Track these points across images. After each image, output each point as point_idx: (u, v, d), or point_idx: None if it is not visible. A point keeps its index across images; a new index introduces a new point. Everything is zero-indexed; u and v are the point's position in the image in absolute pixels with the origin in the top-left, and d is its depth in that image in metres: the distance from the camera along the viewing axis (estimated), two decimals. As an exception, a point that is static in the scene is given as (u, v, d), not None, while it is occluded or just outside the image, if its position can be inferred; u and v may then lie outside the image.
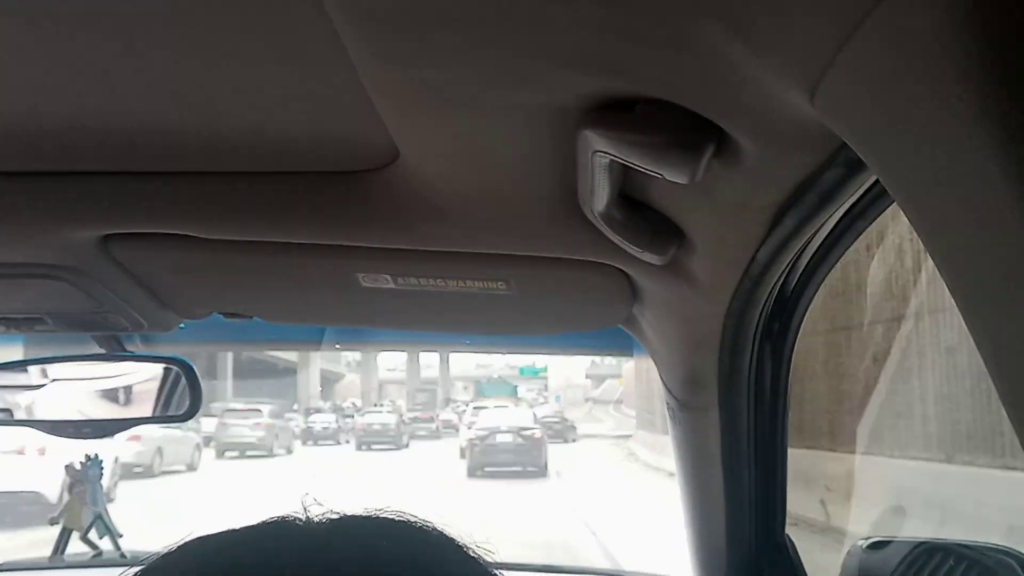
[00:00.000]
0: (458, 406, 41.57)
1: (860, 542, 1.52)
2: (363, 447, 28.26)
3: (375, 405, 37.44)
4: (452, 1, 0.66)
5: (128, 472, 16.03)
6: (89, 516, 2.36)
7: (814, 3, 0.53)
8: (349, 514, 0.67)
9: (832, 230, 0.99)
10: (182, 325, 1.66)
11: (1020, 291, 0.45)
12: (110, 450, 12.22)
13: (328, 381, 46.63)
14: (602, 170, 0.87)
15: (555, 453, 23.20)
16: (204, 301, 1.59)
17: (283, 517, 0.66)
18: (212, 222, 1.23)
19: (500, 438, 21.76)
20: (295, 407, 34.87)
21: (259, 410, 25.27)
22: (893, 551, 1.45)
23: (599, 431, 36.09)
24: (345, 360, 50.46)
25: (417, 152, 1.01)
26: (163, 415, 1.86)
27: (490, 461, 20.88)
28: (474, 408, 32.81)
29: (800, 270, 1.12)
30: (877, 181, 0.83)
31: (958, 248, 0.50)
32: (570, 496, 16.59)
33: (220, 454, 24.03)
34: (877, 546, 1.50)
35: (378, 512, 0.68)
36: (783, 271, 1.06)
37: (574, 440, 32.19)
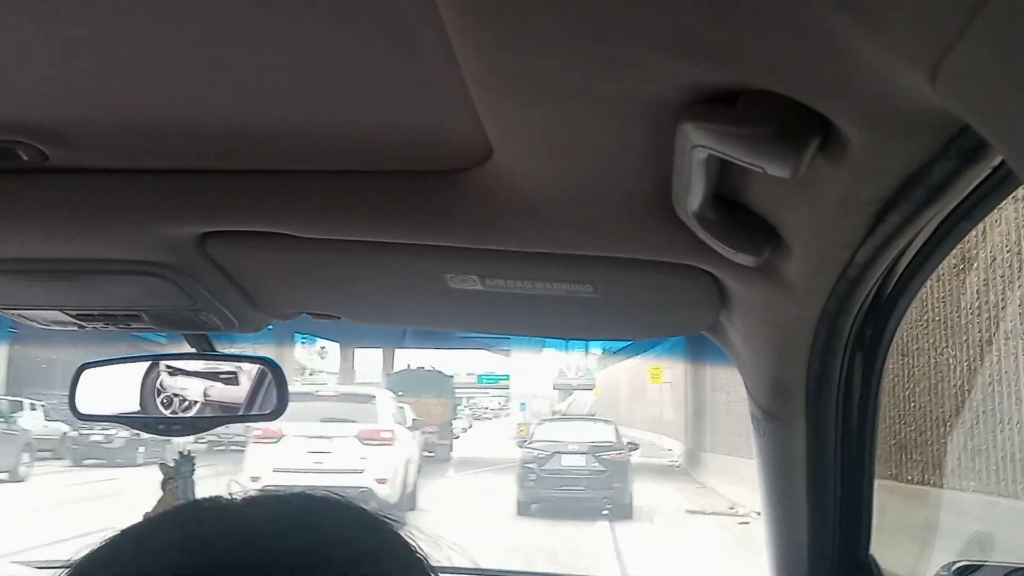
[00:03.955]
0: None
1: (948, 564, 1.47)
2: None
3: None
4: None
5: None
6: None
7: None
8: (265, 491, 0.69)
9: (935, 231, 0.96)
10: (270, 327, 1.69)
11: None
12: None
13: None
14: (699, 166, 0.86)
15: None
16: (294, 301, 1.62)
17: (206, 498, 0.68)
18: (306, 220, 1.25)
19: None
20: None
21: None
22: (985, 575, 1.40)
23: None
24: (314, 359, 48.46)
25: (511, 149, 1.02)
26: (248, 414, 1.89)
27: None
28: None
29: (899, 273, 1.09)
30: (986, 178, 0.81)
31: None
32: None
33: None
34: (967, 570, 1.44)
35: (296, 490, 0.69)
36: (881, 274, 1.03)
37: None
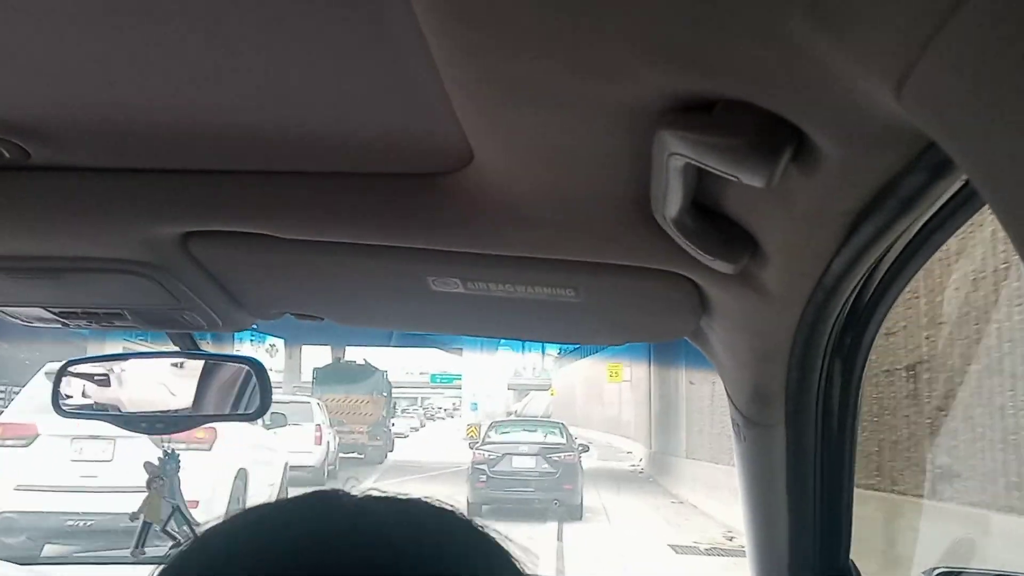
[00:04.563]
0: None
1: (928, 570, 1.50)
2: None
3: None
4: None
5: None
6: (167, 509, 2.42)
7: None
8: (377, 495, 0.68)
9: (910, 241, 0.98)
10: (254, 326, 1.70)
11: None
12: None
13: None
14: (677, 173, 0.87)
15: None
16: (277, 301, 1.62)
17: (319, 492, 0.67)
18: (288, 221, 1.26)
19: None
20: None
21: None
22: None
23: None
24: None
25: (492, 154, 1.03)
26: (233, 413, 1.90)
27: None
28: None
29: (876, 282, 1.10)
30: (959, 190, 0.82)
31: None
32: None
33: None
34: (946, 576, 1.47)
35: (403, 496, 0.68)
36: (858, 283, 1.05)
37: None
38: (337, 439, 21.21)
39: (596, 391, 35.95)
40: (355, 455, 23.75)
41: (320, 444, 18.44)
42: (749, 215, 0.97)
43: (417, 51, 0.81)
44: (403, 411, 50.04)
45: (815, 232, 0.92)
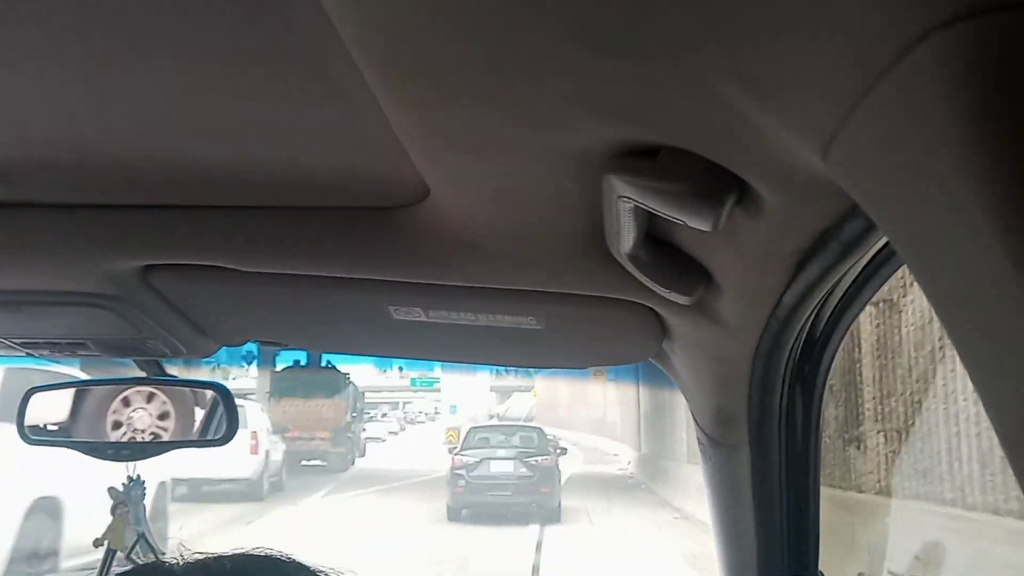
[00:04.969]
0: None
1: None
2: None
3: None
4: (476, 48, 0.67)
5: None
6: (132, 536, 2.39)
7: (826, 66, 0.54)
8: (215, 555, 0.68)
9: (859, 275, 0.99)
10: (220, 352, 1.70)
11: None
12: None
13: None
14: (627, 213, 0.88)
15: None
16: (242, 329, 1.62)
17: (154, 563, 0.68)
18: (248, 255, 1.26)
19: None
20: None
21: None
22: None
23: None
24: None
25: (447, 191, 1.03)
26: (201, 439, 1.89)
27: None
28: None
29: (829, 312, 1.12)
30: None
31: (964, 315, 0.51)
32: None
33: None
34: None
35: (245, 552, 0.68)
36: (811, 314, 1.06)
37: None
38: (283, 447, 19.56)
39: (580, 391, 35.82)
40: (317, 463, 22.60)
41: (256, 454, 16.44)
42: (701, 251, 0.98)
43: (365, 96, 0.81)
44: (383, 415, 49.99)
45: (764, 270, 0.93)
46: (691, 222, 0.78)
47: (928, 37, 0.45)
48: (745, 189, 0.75)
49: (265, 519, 14.26)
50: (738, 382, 1.26)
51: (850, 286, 1.03)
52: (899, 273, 1.03)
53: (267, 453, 16.99)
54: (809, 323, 1.12)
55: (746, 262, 0.93)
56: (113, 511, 2.05)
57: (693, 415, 1.55)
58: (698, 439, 1.56)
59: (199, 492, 15.51)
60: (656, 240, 0.98)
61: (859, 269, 0.97)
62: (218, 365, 20.15)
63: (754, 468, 1.39)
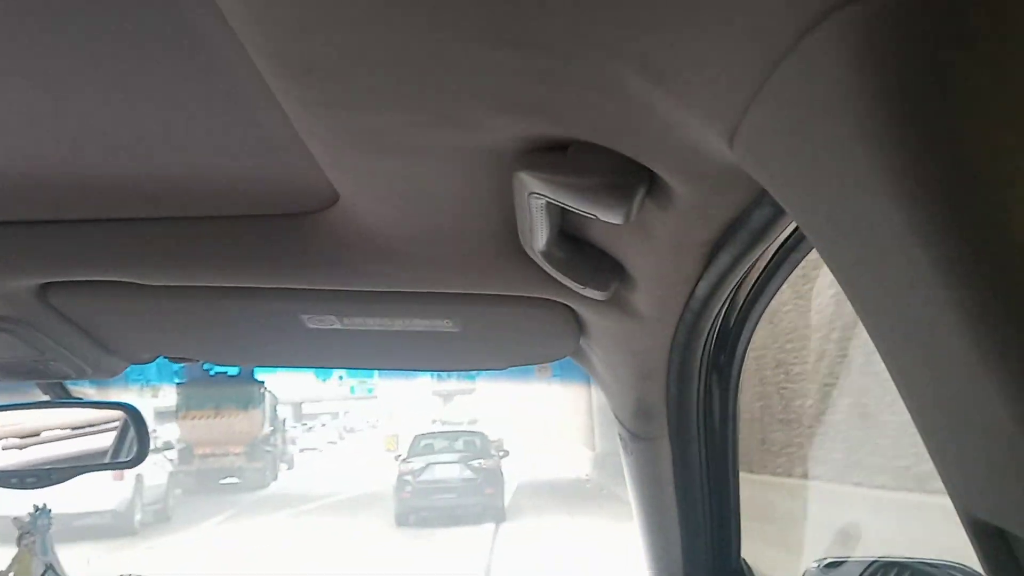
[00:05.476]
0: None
1: (816, 563, 1.54)
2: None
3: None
4: (376, 45, 0.66)
5: None
6: (40, 567, 2.31)
7: (727, 53, 0.54)
8: None
9: (769, 262, 1.01)
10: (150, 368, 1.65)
11: (929, 335, 0.46)
12: None
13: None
14: (540, 210, 0.88)
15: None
16: (149, 346, 1.57)
17: None
18: (152, 268, 1.22)
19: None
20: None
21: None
22: (850, 570, 1.46)
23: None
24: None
25: (356, 195, 1.01)
26: (112, 462, 1.83)
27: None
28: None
29: (741, 302, 1.14)
30: None
31: (871, 291, 0.52)
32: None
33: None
34: (833, 566, 1.51)
35: None
36: (724, 303, 1.07)
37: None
38: (168, 468, 17.00)
39: (525, 388, 35.79)
40: (232, 480, 20.48)
41: (122, 480, 13.76)
42: (615, 245, 0.99)
43: (269, 102, 0.79)
44: (323, 425, 49.74)
45: (677, 260, 0.94)
46: (603, 216, 0.78)
47: (823, 20, 0.45)
48: (655, 181, 0.75)
49: (116, 557, 12.13)
50: (656, 375, 1.28)
51: (761, 274, 1.06)
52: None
53: (138, 478, 14.48)
54: (723, 313, 1.14)
55: (659, 254, 0.94)
56: (19, 541, 1.97)
57: (613, 410, 1.56)
58: (619, 434, 1.58)
59: (70, 528, 12.06)
60: (570, 236, 0.99)
61: (769, 256, 1.00)
62: (147, 383, 19.57)
63: (675, 460, 1.42)
